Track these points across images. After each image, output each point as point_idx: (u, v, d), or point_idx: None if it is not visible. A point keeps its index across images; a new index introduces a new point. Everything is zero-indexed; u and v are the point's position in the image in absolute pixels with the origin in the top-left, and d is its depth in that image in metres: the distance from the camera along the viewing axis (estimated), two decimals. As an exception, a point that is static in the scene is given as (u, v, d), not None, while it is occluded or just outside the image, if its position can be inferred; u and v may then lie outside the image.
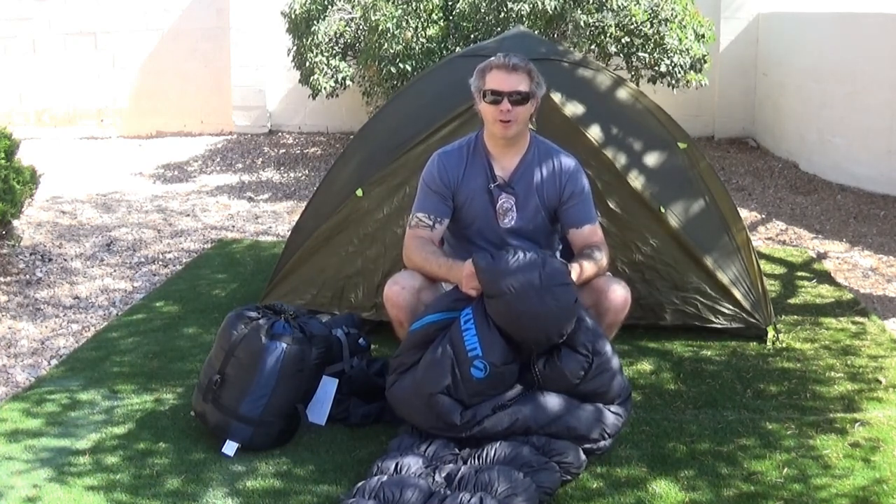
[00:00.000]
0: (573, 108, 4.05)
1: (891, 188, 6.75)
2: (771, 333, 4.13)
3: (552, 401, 3.09)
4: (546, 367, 3.11)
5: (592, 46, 6.84)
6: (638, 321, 3.98)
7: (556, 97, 4.02)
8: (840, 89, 7.18)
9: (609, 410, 3.13)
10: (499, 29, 6.49)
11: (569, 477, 3.00)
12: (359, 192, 4.09)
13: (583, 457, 3.05)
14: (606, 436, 3.11)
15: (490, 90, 3.29)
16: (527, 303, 3.01)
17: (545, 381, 3.11)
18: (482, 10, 6.73)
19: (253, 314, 3.35)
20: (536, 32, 6.12)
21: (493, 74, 3.30)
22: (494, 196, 3.41)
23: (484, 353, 3.03)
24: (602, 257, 3.34)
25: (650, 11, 6.76)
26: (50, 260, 5.62)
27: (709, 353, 4.03)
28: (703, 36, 7.02)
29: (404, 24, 6.85)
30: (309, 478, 3.09)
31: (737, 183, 7.29)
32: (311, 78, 7.55)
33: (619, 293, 3.31)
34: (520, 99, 3.28)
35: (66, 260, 5.64)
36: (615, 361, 3.15)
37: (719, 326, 4.12)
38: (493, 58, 3.35)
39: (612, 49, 6.84)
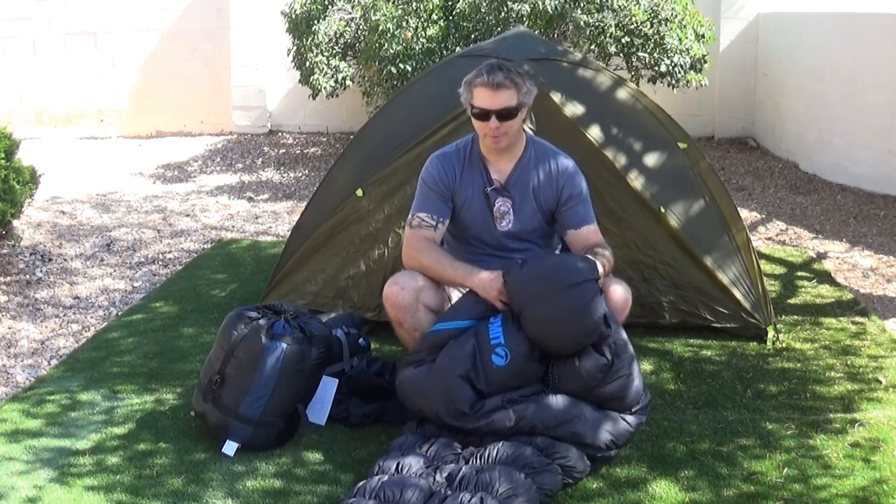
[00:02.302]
0: (573, 109, 4.05)
1: (891, 188, 6.75)
2: (771, 333, 4.13)
3: (562, 403, 3.05)
4: (564, 365, 3.07)
5: (592, 46, 6.84)
6: (637, 319, 3.97)
7: (556, 97, 4.02)
8: (840, 89, 7.18)
9: (623, 420, 3.09)
10: (499, 29, 6.49)
11: (570, 480, 2.97)
12: (359, 192, 4.09)
13: (587, 461, 3.02)
14: (613, 445, 3.08)
15: (477, 108, 3.27)
16: (549, 319, 3.02)
17: (561, 379, 3.08)
18: (482, 10, 6.73)
19: (253, 314, 3.35)
20: (536, 32, 6.12)
21: (478, 91, 3.26)
22: (491, 199, 3.41)
23: (506, 341, 3.04)
24: (611, 256, 3.32)
25: (650, 11, 6.76)
26: (50, 260, 5.62)
27: (709, 353, 4.03)
28: (703, 36, 7.03)
29: (404, 24, 6.85)
30: (309, 478, 3.09)
31: (737, 183, 7.29)
32: (312, 78, 7.55)
33: (619, 293, 3.31)
34: (507, 114, 3.25)
35: (65, 260, 5.64)
36: (635, 368, 3.12)
37: (719, 326, 4.13)
38: (476, 75, 3.28)
39: (612, 49, 6.85)
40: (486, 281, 3.19)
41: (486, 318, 3.15)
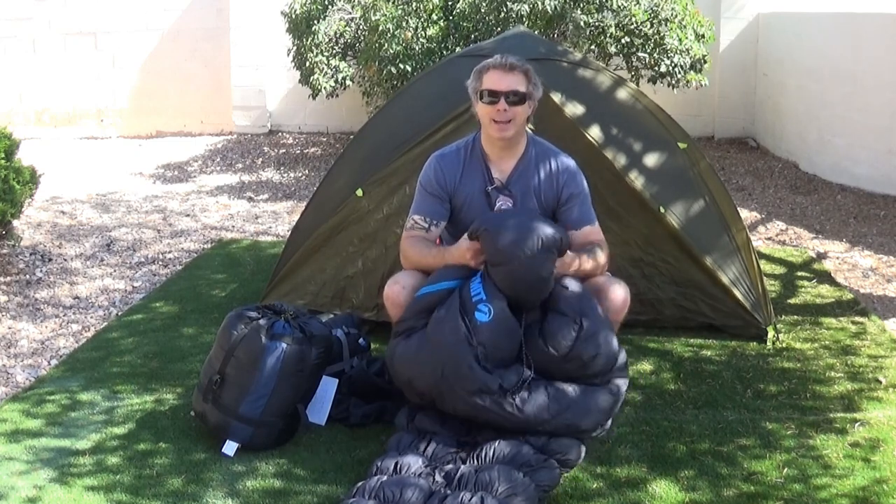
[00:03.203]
0: (573, 109, 4.05)
1: (891, 188, 6.75)
2: (771, 333, 4.13)
3: (552, 394, 3.04)
4: (538, 336, 3.08)
5: (592, 46, 6.84)
6: (638, 317, 3.97)
7: (556, 97, 4.02)
8: (840, 89, 7.18)
9: (610, 391, 3.09)
10: (499, 29, 6.50)
11: (567, 471, 3.00)
12: (359, 192, 4.09)
13: (583, 450, 3.05)
14: (606, 419, 3.10)
15: (487, 90, 3.28)
16: (523, 271, 3.05)
17: (536, 352, 3.06)
18: (482, 10, 6.73)
19: (253, 314, 3.35)
20: (536, 32, 6.12)
21: (489, 75, 3.30)
22: (492, 198, 3.41)
23: (487, 297, 3.05)
24: (601, 255, 3.33)
25: (650, 11, 6.76)
26: (50, 260, 5.62)
27: (709, 353, 4.03)
28: (703, 36, 7.03)
29: (404, 24, 6.85)
30: (309, 478, 3.09)
31: (737, 183, 7.29)
32: (312, 78, 7.55)
33: (618, 293, 3.31)
34: (517, 100, 3.27)
35: (65, 260, 5.64)
36: (608, 330, 3.11)
37: (719, 325, 4.13)
38: (490, 59, 3.35)
39: (612, 49, 6.84)
40: (461, 248, 3.22)
41: (469, 278, 3.17)
